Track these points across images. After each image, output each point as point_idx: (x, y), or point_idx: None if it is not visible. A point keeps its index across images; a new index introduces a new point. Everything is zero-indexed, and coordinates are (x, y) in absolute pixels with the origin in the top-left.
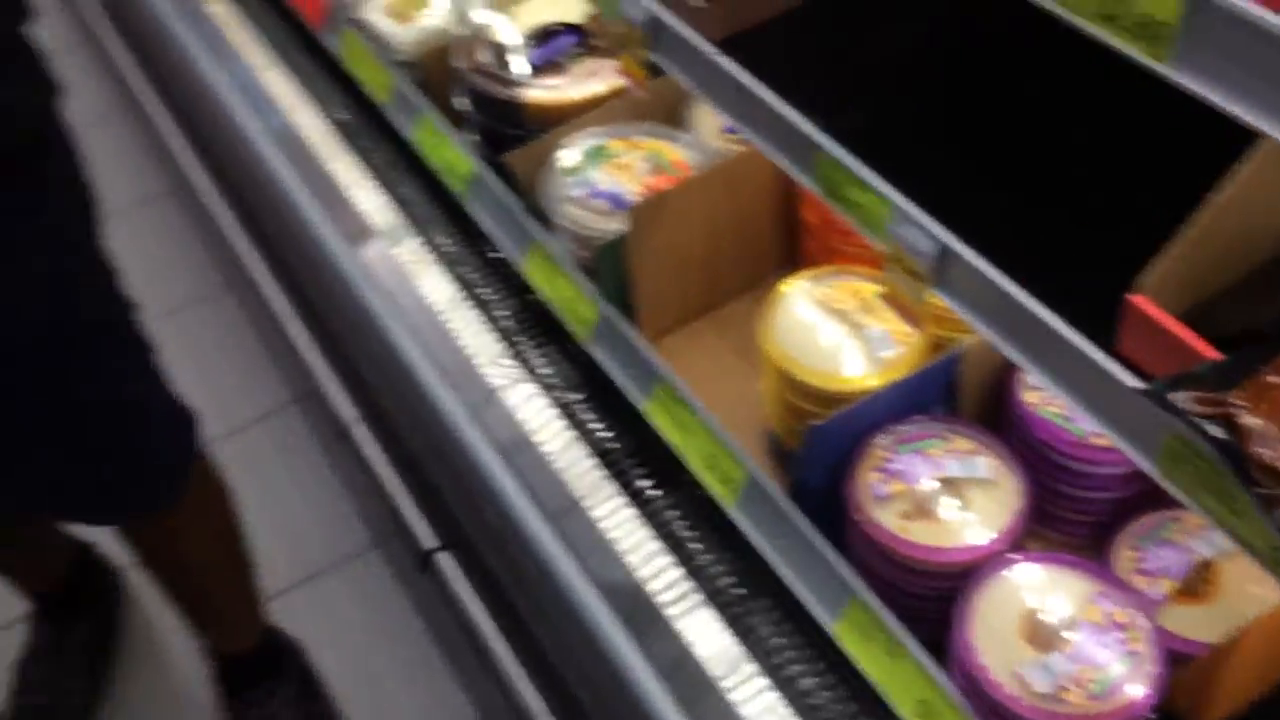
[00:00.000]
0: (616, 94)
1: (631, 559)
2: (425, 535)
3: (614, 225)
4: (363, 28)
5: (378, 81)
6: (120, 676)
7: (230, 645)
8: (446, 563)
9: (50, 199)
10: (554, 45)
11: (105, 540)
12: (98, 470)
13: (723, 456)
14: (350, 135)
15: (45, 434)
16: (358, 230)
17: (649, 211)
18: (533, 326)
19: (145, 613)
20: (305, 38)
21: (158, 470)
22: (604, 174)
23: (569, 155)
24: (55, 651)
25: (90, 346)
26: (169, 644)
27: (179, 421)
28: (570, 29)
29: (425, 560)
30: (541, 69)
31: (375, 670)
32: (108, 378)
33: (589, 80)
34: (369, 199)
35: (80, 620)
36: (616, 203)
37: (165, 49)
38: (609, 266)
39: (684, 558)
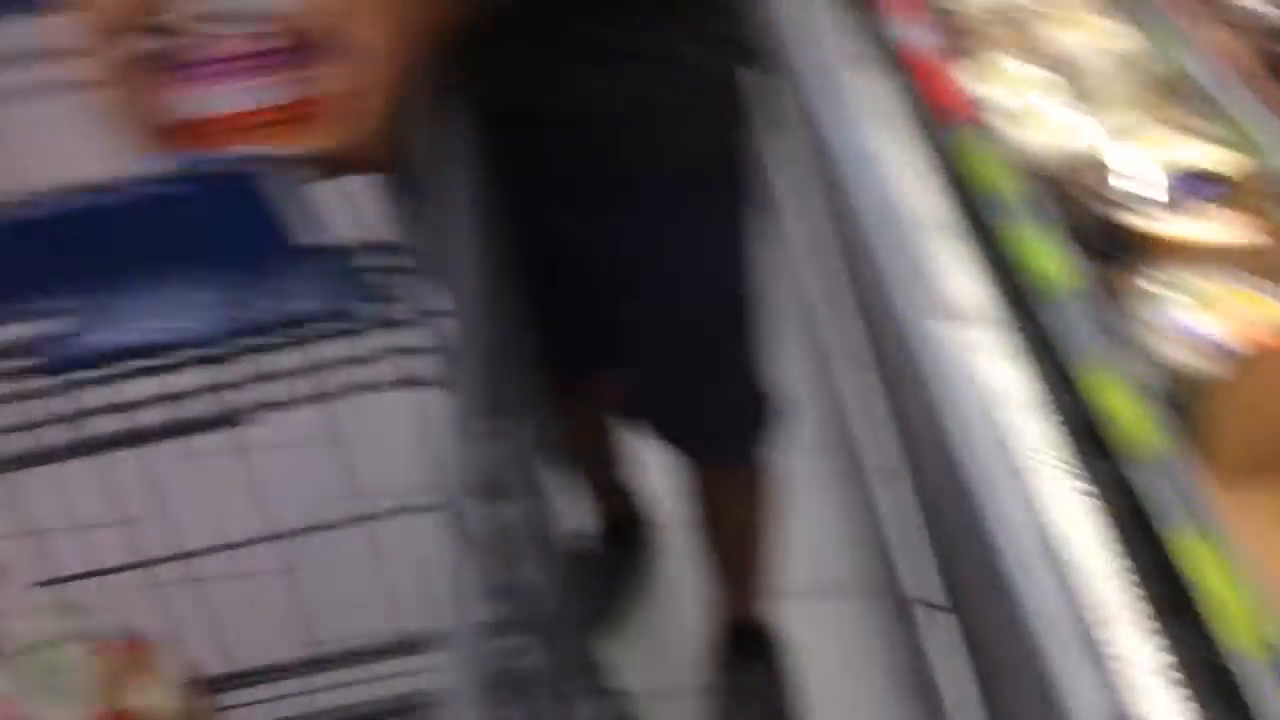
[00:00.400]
0: (1236, 242)
1: (1132, 692)
2: (915, 588)
3: (1203, 365)
4: (986, 127)
5: (990, 176)
6: (634, 608)
7: (733, 612)
8: (930, 621)
9: (747, 200)
10: (1182, 182)
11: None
12: (724, 413)
13: (1257, 618)
14: (952, 220)
15: (706, 376)
16: (939, 306)
17: (1249, 365)
18: (1083, 433)
19: (669, 568)
20: (925, 120)
21: (755, 429)
22: (1204, 315)
23: (1172, 288)
24: (596, 568)
25: (747, 316)
26: (680, 596)
27: (777, 397)
28: (1201, 170)
29: (909, 611)
30: (1163, 202)
31: (833, 696)
32: (751, 342)
33: (1209, 222)
34: (959, 282)
35: (621, 550)
36: (1211, 345)
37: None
38: (1187, 403)
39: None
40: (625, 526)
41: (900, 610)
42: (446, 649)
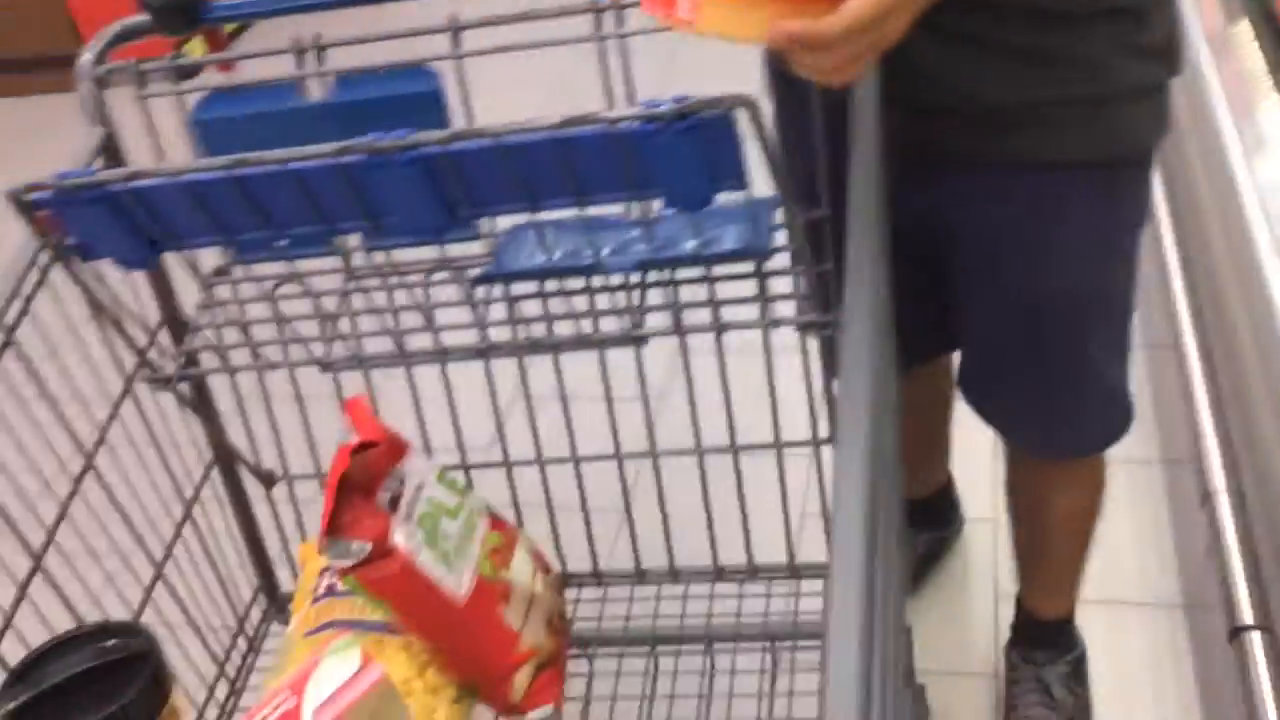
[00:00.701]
0: None
1: None
2: (1230, 609)
3: None
4: None
5: None
6: (928, 589)
7: (1038, 605)
8: (1241, 642)
9: (1141, 207)
10: None
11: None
12: (1071, 407)
13: None
14: None
15: (1064, 368)
16: None
17: None
18: None
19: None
20: None
21: (1097, 428)
22: None
23: None
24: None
25: (1117, 317)
26: (977, 585)
27: (1125, 402)
28: None
29: (1235, 635)
30: None
31: (1126, 706)
32: (1113, 344)
33: None
34: None
35: (922, 528)
36: None
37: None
38: None
39: None
40: (932, 506)
41: (1210, 629)
42: (830, 582)
